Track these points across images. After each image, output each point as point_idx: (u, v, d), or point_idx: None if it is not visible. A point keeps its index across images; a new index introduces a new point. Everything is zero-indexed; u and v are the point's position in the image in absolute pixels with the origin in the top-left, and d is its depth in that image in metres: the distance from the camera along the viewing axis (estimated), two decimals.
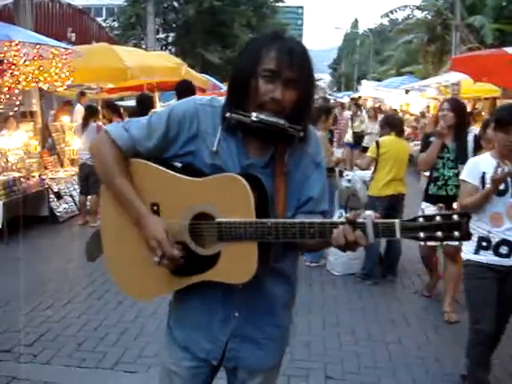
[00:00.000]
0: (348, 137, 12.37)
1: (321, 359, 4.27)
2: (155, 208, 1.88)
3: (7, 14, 11.99)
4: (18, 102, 8.52)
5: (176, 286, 1.93)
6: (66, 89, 9.38)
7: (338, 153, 7.97)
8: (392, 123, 6.42)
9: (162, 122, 1.89)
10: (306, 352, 4.38)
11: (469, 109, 13.63)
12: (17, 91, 8.31)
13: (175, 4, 32.13)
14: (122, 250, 1.98)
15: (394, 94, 22.42)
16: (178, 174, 1.86)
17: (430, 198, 5.04)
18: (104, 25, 29.61)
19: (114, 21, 34.41)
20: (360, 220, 1.66)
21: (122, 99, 17.51)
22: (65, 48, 8.65)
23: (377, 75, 43.63)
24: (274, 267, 1.90)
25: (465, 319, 4.80)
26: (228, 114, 1.82)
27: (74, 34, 16.93)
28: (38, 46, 7.94)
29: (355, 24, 77.93)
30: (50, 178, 8.88)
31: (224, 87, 22.83)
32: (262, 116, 1.78)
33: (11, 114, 8.66)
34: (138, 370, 3.99)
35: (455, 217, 1.64)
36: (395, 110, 18.95)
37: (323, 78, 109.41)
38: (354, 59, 61.94)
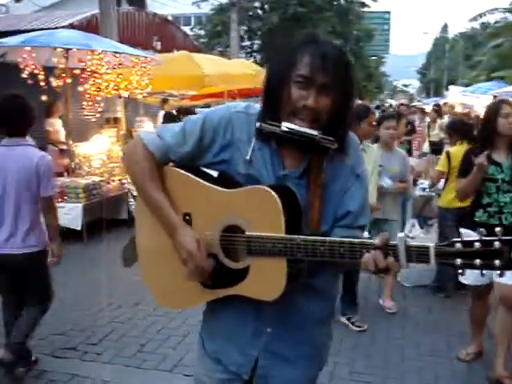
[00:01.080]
0: (425, 146, 11.73)
1: (381, 373, 4.16)
2: (187, 218, 1.86)
3: (95, 23, 12.51)
4: (100, 109, 8.87)
5: (206, 298, 1.92)
6: (145, 96, 9.69)
7: (413, 162, 7.72)
8: (460, 130, 6.00)
9: (197, 128, 1.86)
10: (366, 365, 4.28)
11: None
12: (99, 98, 8.67)
13: (259, 12, 32.47)
14: (154, 257, 1.98)
15: (482, 100, 21.55)
16: (210, 184, 1.83)
17: (477, 227, 3.88)
18: (191, 33, 30.40)
19: (200, 29, 35.20)
20: (392, 243, 1.58)
21: (208, 106, 17.90)
22: (144, 56, 8.93)
23: (466, 81, 42.20)
24: (308, 283, 1.83)
25: None
26: (258, 124, 1.78)
27: (159, 43, 17.43)
28: (118, 55, 8.24)
29: (445, 28, 75.98)
30: (130, 182, 9.16)
31: None
32: (293, 126, 1.72)
33: (94, 120, 9.03)
34: None
35: (497, 244, 1.49)
36: (476, 116, 18.16)
37: (412, 83, 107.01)
38: (443, 64, 60.25)
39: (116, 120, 10.51)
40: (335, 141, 1.75)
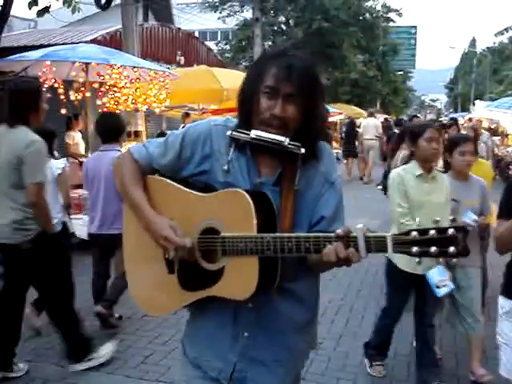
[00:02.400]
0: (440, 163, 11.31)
1: None
2: None
3: (118, 38, 12.72)
4: None
5: (186, 301, 1.95)
6: (164, 110, 9.79)
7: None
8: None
9: (177, 143, 1.97)
10: (370, 381, 4.27)
11: None
12: (118, 112, 8.77)
13: (284, 27, 32.64)
14: (137, 264, 2.07)
15: (509, 116, 21.24)
16: (190, 190, 1.91)
17: None
18: (217, 48, 30.68)
19: (226, 44, 35.51)
20: (352, 234, 1.64)
21: None
22: (163, 71, 9.04)
23: (494, 95, 41.74)
24: (285, 287, 1.87)
25: None
26: (229, 133, 1.88)
27: (182, 58, 17.62)
28: (135, 69, 8.36)
29: (473, 43, 75.40)
30: None
31: (331, 109, 22.66)
32: (261, 133, 1.81)
33: None
34: None
35: (451, 230, 1.55)
36: (495, 131, 17.89)
37: (439, 98, 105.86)
38: (471, 79, 59.75)
39: (137, 133, 10.64)
40: (303, 146, 1.82)
